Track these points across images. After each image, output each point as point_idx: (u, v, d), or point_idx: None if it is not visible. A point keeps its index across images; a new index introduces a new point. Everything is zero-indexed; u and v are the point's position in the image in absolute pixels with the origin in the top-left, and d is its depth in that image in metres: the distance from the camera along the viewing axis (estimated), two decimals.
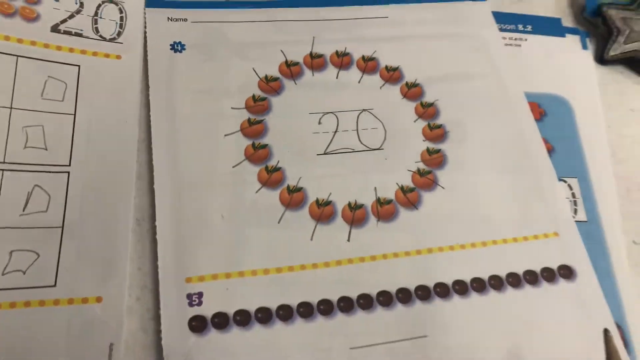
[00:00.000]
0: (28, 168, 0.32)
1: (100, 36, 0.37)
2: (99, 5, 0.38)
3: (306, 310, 0.32)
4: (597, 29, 0.46)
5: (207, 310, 0.30)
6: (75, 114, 0.35)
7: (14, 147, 0.33)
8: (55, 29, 0.36)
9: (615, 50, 0.44)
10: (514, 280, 0.35)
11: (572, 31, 0.46)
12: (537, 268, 0.36)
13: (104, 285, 0.31)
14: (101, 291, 0.31)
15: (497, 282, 0.35)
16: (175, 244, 0.32)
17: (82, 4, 0.37)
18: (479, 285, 0.34)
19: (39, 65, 0.35)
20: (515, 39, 0.45)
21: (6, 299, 0.29)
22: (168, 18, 0.40)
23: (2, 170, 0.32)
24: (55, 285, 0.30)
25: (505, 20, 0.45)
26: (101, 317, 0.30)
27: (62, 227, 0.32)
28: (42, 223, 0.31)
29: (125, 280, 0.31)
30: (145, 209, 0.33)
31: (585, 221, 0.38)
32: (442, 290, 0.34)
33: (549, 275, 0.35)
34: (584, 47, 0.46)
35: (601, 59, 0.45)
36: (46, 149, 0.33)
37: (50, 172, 0.33)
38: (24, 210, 0.31)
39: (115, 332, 0.30)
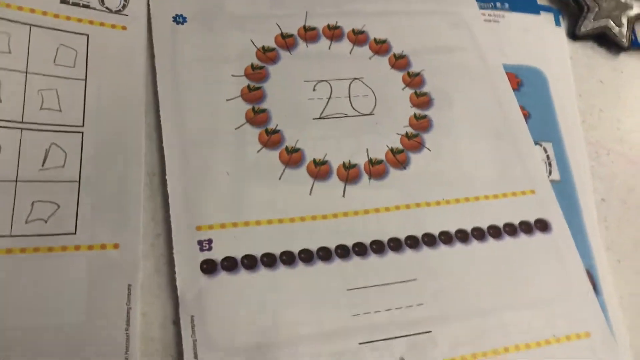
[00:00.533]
0: (44, 128, 0.35)
1: (107, 8, 0.40)
2: None
3: (307, 256, 0.35)
4: (568, 7, 0.50)
5: (217, 254, 0.33)
6: (86, 80, 0.37)
7: (30, 108, 0.35)
8: (64, 0, 0.38)
9: (585, 26, 0.48)
10: (495, 231, 0.38)
11: (546, 9, 0.50)
12: (516, 221, 0.39)
13: (120, 232, 0.33)
14: (118, 238, 0.33)
15: (479, 233, 0.38)
16: (185, 196, 0.34)
17: None
18: (462, 235, 0.37)
19: (50, 33, 0.37)
20: (494, 16, 0.48)
21: (30, 244, 0.31)
22: None
23: (21, 129, 0.34)
24: (75, 232, 0.33)
25: None
26: (119, 261, 0.32)
27: (79, 181, 0.34)
28: (61, 177, 0.34)
29: (139, 227, 0.34)
30: (155, 165, 0.36)
31: (559, 181, 0.42)
32: (429, 240, 0.37)
33: (526, 227, 0.39)
34: (557, 23, 0.49)
35: (573, 34, 0.49)
36: (60, 111, 0.35)
37: (65, 131, 0.35)
38: (42, 165, 0.34)
39: (132, 274, 0.32)
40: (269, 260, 0.34)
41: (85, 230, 0.33)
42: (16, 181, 0.33)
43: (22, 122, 0.34)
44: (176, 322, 0.31)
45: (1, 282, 0.30)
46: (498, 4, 0.49)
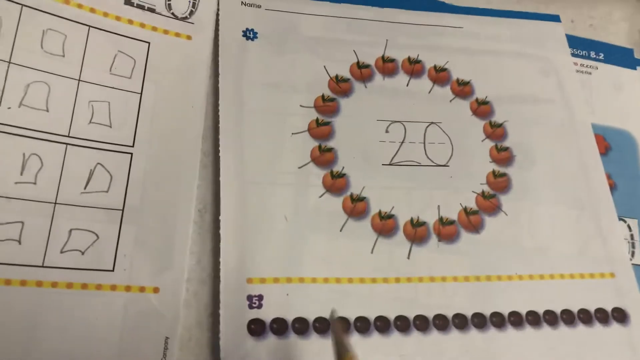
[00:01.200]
0: (92, 145, 0.31)
1: (173, 14, 0.36)
2: None
3: (363, 325, 0.31)
4: None
5: (267, 314, 0.30)
6: (141, 93, 0.34)
7: (79, 121, 0.31)
8: (128, 1, 0.35)
9: None
10: (568, 317, 0.34)
11: None
12: (591, 308, 0.35)
13: (161, 275, 0.30)
14: (159, 281, 0.30)
15: (551, 318, 0.34)
16: (238, 241, 0.31)
17: None
18: (533, 318, 0.34)
19: (109, 38, 0.34)
20: (587, 66, 0.44)
21: (63, 278, 0.28)
22: (242, 2, 0.38)
23: (66, 144, 0.31)
24: (113, 270, 0.29)
25: (578, 45, 0.44)
26: (158, 308, 0.29)
27: (123, 210, 0.31)
28: (103, 204, 0.30)
29: (183, 272, 0.30)
30: (207, 200, 0.32)
31: None
32: (498, 320, 0.33)
33: (602, 316, 0.35)
34: None
35: None
36: (111, 127, 0.32)
37: (113, 151, 0.32)
38: (85, 188, 0.30)
39: (171, 325, 0.29)
40: (322, 327, 0.30)
41: (124, 269, 0.29)
42: (55, 203, 0.29)
43: (68, 136, 0.31)
44: None
45: (27, 316, 0.27)
46: (592, 53, 0.44)
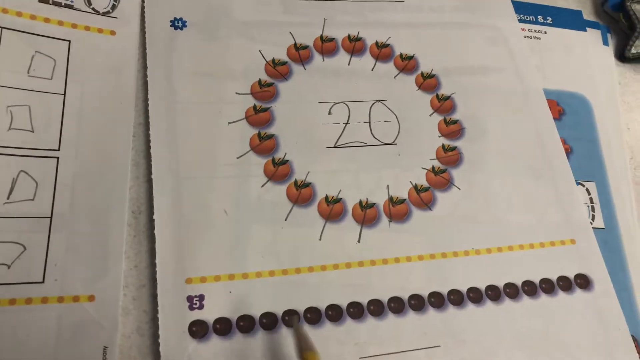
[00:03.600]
0: (13, 152, 0.30)
1: (93, 9, 0.34)
2: None
3: (313, 316, 0.30)
4: (618, 25, 0.44)
5: (209, 314, 0.28)
6: (65, 94, 0.32)
7: None
8: None
9: (637, 47, 0.42)
10: (530, 288, 0.33)
11: (593, 25, 0.44)
12: (554, 276, 0.34)
13: (96, 283, 0.28)
14: (94, 289, 0.28)
15: (512, 291, 0.33)
16: (175, 241, 0.29)
17: None
18: (494, 293, 0.33)
19: (25, 38, 0.32)
20: (535, 31, 0.43)
21: None
22: None
23: None
24: (43, 281, 0.28)
25: (525, 11, 0.43)
26: (94, 317, 0.28)
27: (51, 217, 0.29)
28: (29, 213, 0.29)
29: (120, 278, 0.29)
30: (142, 201, 0.31)
31: (603, 228, 0.37)
32: (456, 298, 0.32)
33: (565, 284, 0.34)
34: (605, 42, 0.44)
35: (622, 56, 0.43)
36: (33, 132, 0.30)
37: (37, 156, 0.30)
38: (8, 198, 0.29)
39: (109, 334, 0.28)
40: (269, 322, 0.29)
41: (55, 279, 0.28)
42: None
43: None
44: None
45: None
46: (540, 18, 0.43)
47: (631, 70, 0.43)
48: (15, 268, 0.28)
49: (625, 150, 0.40)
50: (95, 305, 0.28)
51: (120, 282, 0.29)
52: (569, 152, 0.38)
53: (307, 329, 0.29)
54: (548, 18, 0.43)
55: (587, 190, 0.37)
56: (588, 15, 0.45)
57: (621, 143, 0.40)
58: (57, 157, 0.30)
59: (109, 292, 0.28)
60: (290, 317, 0.29)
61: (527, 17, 0.43)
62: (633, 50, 0.43)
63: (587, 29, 0.44)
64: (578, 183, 0.37)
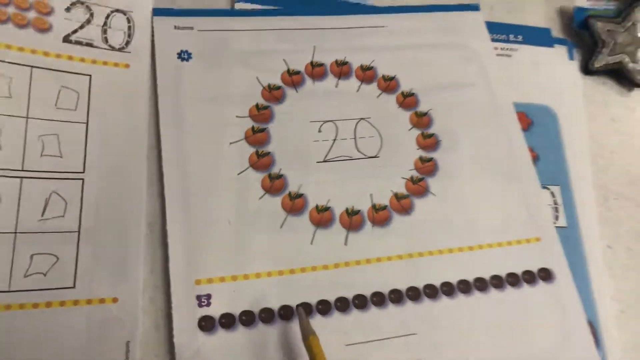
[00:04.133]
0: (45, 175, 0.34)
1: (110, 46, 0.39)
2: (108, 15, 0.39)
3: (306, 310, 0.34)
4: (583, 41, 0.48)
5: (215, 310, 0.33)
6: (87, 123, 0.37)
7: (31, 155, 0.34)
8: (66, 39, 0.38)
9: (599, 61, 0.47)
10: (497, 282, 0.38)
11: (560, 42, 0.48)
12: (519, 271, 0.38)
13: (119, 286, 0.33)
14: (117, 292, 0.33)
15: (481, 284, 0.37)
16: (185, 248, 0.34)
17: (92, 14, 0.39)
18: (464, 286, 0.37)
19: (52, 75, 0.37)
20: (507, 49, 0.47)
21: (29, 300, 0.31)
22: (175, 26, 0.41)
23: (21, 177, 0.34)
24: (74, 286, 0.32)
25: (498, 30, 0.47)
26: (118, 316, 0.32)
27: (79, 231, 0.34)
28: (60, 228, 0.34)
29: (139, 282, 0.34)
30: (156, 214, 0.36)
31: (565, 227, 0.41)
32: (431, 292, 0.36)
33: (529, 277, 0.38)
34: (571, 57, 0.48)
35: (586, 69, 0.47)
36: (61, 157, 0.35)
37: (65, 178, 0.35)
38: (42, 216, 0.34)
39: (131, 330, 0.32)
40: (267, 316, 0.34)
41: (84, 284, 0.33)
42: (15, 233, 0.33)
43: (22, 170, 0.34)
44: None
45: (1, 338, 0.30)
46: (511, 36, 0.48)
47: (595, 82, 0.47)
48: (50, 276, 0.32)
49: (588, 157, 0.44)
50: (118, 305, 0.33)
51: (139, 285, 0.33)
52: (536, 159, 0.43)
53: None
54: (519, 36, 0.48)
55: (552, 193, 0.42)
56: (557, 32, 0.49)
57: (584, 149, 0.44)
58: (83, 179, 0.35)
59: (129, 294, 0.33)
60: (297, 309, 0.34)
61: (499, 36, 0.47)
62: (596, 64, 0.47)
63: (555, 45, 0.48)
64: (544, 187, 0.42)
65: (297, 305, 0.34)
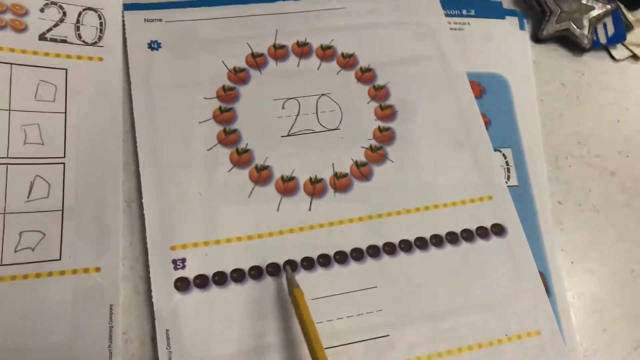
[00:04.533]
0: (29, 161, 0.38)
1: (83, 41, 0.42)
2: (80, 13, 0.42)
3: (274, 270, 0.38)
4: (533, 11, 0.51)
5: (190, 272, 0.36)
6: (65, 112, 0.40)
7: (15, 143, 0.38)
8: (42, 37, 0.41)
9: (547, 30, 0.50)
10: (452, 238, 0.41)
11: (511, 13, 0.51)
12: (473, 227, 0.41)
13: (101, 257, 0.36)
14: (99, 262, 0.36)
15: (437, 240, 0.40)
16: (160, 219, 0.38)
17: (64, 13, 0.42)
18: (421, 243, 0.40)
19: (30, 70, 0.40)
20: (459, 23, 0.50)
21: (20, 272, 0.35)
22: (145, 19, 0.44)
23: (7, 164, 0.37)
24: (60, 259, 0.36)
25: (451, 6, 0.50)
26: (101, 283, 0.36)
27: (62, 210, 0.37)
28: (45, 207, 0.37)
29: (119, 252, 0.37)
30: (133, 192, 0.39)
31: (517, 185, 0.44)
32: (390, 249, 0.40)
33: (482, 232, 0.41)
34: (522, 27, 0.51)
35: (536, 38, 0.50)
36: (43, 144, 0.38)
37: (48, 163, 0.38)
38: (28, 197, 0.37)
39: (114, 295, 0.36)
40: (238, 276, 0.37)
41: (69, 256, 0.36)
42: (4, 213, 0.36)
43: (7, 157, 0.37)
44: (154, 339, 0.35)
45: None
46: (464, 11, 0.50)
47: (544, 49, 0.50)
48: (38, 250, 0.36)
49: (538, 119, 0.47)
50: (101, 274, 0.36)
51: (119, 255, 0.37)
52: (488, 124, 0.46)
53: (269, 279, 0.37)
54: (471, 10, 0.50)
55: (504, 155, 0.45)
56: (507, 4, 0.51)
57: (534, 113, 0.47)
58: (64, 163, 0.38)
59: (111, 264, 0.36)
60: (284, 266, 0.38)
61: (453, 12, 0.50)
62: (545, 32, 0.50)
63: (506, 17, 0.51)
64: (496, 150, 0.45)
65: (284, 263, 0.38)
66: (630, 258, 0.43)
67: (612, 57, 0.51)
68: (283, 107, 0.43)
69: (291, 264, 0.38)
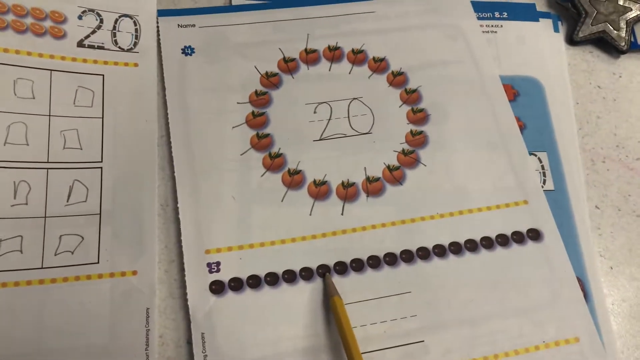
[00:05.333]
0: (68, 165, 0.38)
1: (119, 47, 0.43)
2: (116, 20, 0.43)
3: (307, 274, 0.38)
4: (568, 13, 0.50)
5: (225, 275, 0.37)
6: (103, 117, 0.41)
7: (54, 148, 0.39)
8: (80, 44, 0.42)
9: (583, 31, 0.49)
10: (487, 243, 0.40)
11: (545, 15, 0.50)
12: (508, 232, 0.41)
13: (137, 260, 0.37)
14: (136, 266, 0.37)
15: (472, 245, 0.40)
16: (194, 223, 0.38)
17: (101, 20, 0.43)
18: (455, 248, 0.40)
19: (69, 77, 0.41)
20: (492, 26, 0.49)
21: (60, 275, 0.36)
22: (178, 25, 0.45)
23: (47, 168, 0.38)
24: (98, 262, 0.36)
25: (483, 9, 0.50)
26: (137, 287, 0.36)
27: (100, 214, 0.38)
28: (84, 211, 0.38)
29: (155, 256, 0.37)
30: (168, 196, 0.39)
31: (553, 190, 0.43)
32: (423, 254, 0.39)
33: (518, 237, 0.41)
34: (556, 30, 0.50)
35: (571, 40, 0.49)
36: (81, 149, 0.39)
37: (86, 167, 0.39)
38: (67, 201, 0.38)
39: (150, 298, 0.36)
40: (272, 280, 0.37)
41: (107, 260, 0.37)
42: (45, 217, 0.37)
43: (47, 162, 0.38)
44: (190, 342, 0.35)
45: (35, 309, 0.35)
46: (497, 14, 0.50)
47: (579, 51, 0.49)
48: (77, 253, 0.36)
49: (574, 123, 0.46)
50: (137, 277, 0.37)
51: (155, 259, 0.37)
52: (522, 127, 0.45)
53: (301, 283, 0.37)
54: (504, 13, 0.50)
55: (539, 159, 0.44)
56: (541, 7, 0.51)
57: (570, 116, 0.46)
58: (101, 167, 0.39)
59: (147, 267, 0.37)
60: (323, 273, 0.38)
61: (485, 15, 0.50)
62: (580, 34, 0.49)
63: (540, 19, 0.50)
64: (531, 153, 0.44)
65: (324, 271, 0.38)
66: None
67: None
68: (315, 112, 0.43)
69: (324, 269, 0.38)
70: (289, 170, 0.41)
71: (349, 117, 0.44)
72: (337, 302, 0.35)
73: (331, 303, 0.35)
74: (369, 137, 0.43)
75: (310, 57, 0.46)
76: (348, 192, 0.41)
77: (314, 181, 0.41)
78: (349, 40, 0.47)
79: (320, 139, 0.42)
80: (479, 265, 0.40)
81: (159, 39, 0.44)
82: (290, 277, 0.37)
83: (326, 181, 0.41)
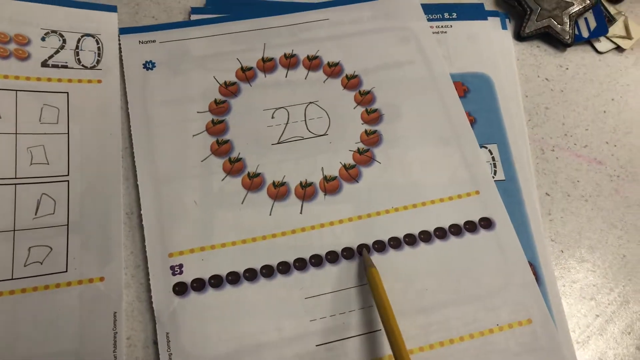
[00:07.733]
0: (35, 180, 0.40)
1: (83, 65, 0.45)
2: (79, 40, 0.45)
3: (267, 271, 0.39)
4: (514, 10, 0.53)
5: (187, 277, 0.38)
6: (68, 133, 0.42)
7: (22, 164, 0.40)
8: (44, 64, 0.44)
9: (529, 27, 0.51)
10: (440, 233, 0.42)
11: (493, 14, 0.53)
12: (461, 222, 0.43)
13: (104, 267, 0.39)
14: (103, 272, 0.38)
15: (425, 236, 0.42)
16: (158, 228, 0.40)
17: (64, 41, 0.45)
18: (410, 239, 0.42)
19: (34, 96, 0.43)
20: (442, 27, 0.51)
21: (29, 285, 0.37)
22: (139, 41, 0.47)
23: (15, 184, 0.40)
24: (66, 270, 0.38)
25: (433, 11, 0.52)
26: (105, 292, 0.38)
27: (68, 224, 0.39)
28: (52, 223, 0.39)
29: (121, 262, 0.39)
30: (133, 204, 0.41)
31: (504, 180, 0.45)
32: (379, 246, 0.41)
33: (470, 226, 0.43)
34: (504, 27, 0.52)
35: (518, 36, 0.51)
36: (48, 164, 0.41)
37: (53, 181, 0.41)
38: (36, 214, 0.39)
39: (117, 303, 0.38)
40: (234, 278, 0.39)
41: (75, 268, 0.38)
42: (14, 230, 0.38)
43: (15, 177, 0.40)
44: (156, 342, 0.37)
45: (7, 319, 0.36)
46: (446, 15, 0.52)
47: (527, 46, 0.51)
48: (46, 263, 0.38)
49: (523, 115, 0.48)
50: (105, 283, 0.38)
51: (121, 264, 0.39)
52: (473, 122, 0.47)
53: (262, 281, 0.39)
54: (453, 14, 0.52)
55: (490, 151, 0.46)
56: (489, 6, 0.53)
57: (519, 109, 0.48)
58: (68, 180, 0.41)
59: (114, 273, 0.39)
60: (359, 247, 0.41)
61: (435, 16, 0.52)
62: (527, 30, 0.51)
63: (488, 17, 0.52)
64: (482, 146, 0.46)
65: (359, 246, 0.41)
66: (620, 244, 0.44)
67: (596, 51, 0.52)
68: (273, 117, 0.45)
69: (284, 265, 0.40)
70: (248, 173, 0.43)
71: (305, 120, 0.46)
72: (374, 273, 0.37)
73: (368, 274, 0.38)
74: (325, 139, 0.45)
75: (267, 65, 0.48)
76: (306, 191, 0.43)
77: (273, 183, 0.43)
78: (305, 47, 0.49)
79: (278, 142, 0.44)
80: (433, 255, 0.41)
81: (121, 56, 0.46)
82: (251, 275, 0.39)
83: (285, 182, 0.43)
